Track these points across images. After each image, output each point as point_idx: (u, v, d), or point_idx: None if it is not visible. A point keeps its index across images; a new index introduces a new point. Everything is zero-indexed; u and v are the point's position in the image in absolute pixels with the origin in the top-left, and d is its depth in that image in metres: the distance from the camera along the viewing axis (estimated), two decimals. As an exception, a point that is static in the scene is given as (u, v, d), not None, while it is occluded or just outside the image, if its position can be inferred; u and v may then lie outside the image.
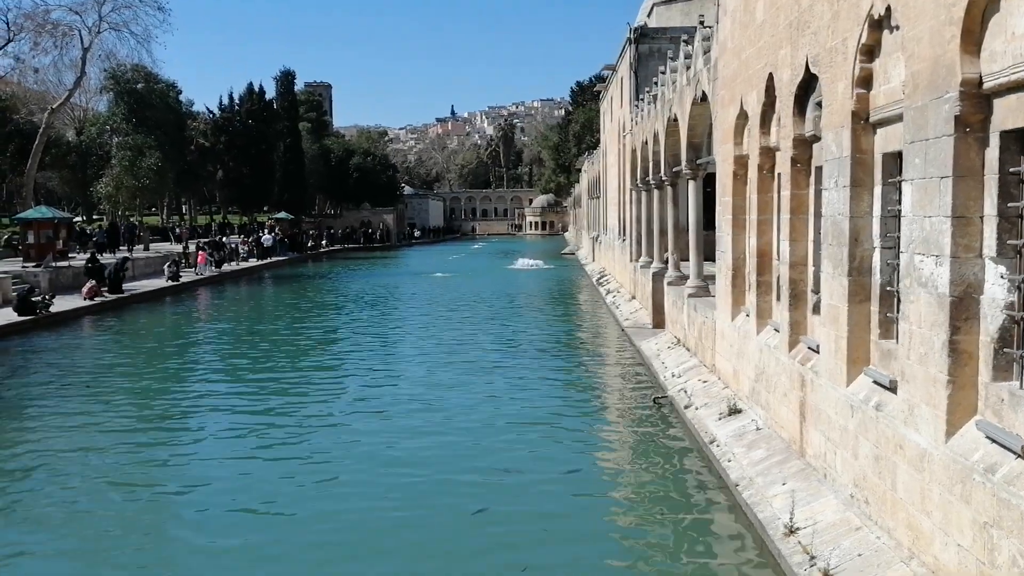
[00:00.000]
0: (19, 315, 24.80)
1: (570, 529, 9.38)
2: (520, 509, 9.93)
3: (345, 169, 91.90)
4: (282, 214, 70.55)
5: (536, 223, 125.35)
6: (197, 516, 9.93)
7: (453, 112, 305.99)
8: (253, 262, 52.05)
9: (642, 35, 32.56)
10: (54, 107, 47.27)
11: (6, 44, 45.30)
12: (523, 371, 18.29)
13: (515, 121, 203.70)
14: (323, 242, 74.75)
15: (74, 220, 53.72)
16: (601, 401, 16.18)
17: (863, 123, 8.06)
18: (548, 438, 12.95)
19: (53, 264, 32.47)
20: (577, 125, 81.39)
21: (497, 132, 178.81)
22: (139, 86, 55.26)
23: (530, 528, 9.37)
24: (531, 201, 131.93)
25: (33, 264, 33.15)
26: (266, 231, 62.42)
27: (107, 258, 35.97)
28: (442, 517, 9.68)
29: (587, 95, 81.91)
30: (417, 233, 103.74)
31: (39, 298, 26.06)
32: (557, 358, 20.40)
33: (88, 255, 33.89)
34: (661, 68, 22.18)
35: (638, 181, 27.07)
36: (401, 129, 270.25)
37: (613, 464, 11.91)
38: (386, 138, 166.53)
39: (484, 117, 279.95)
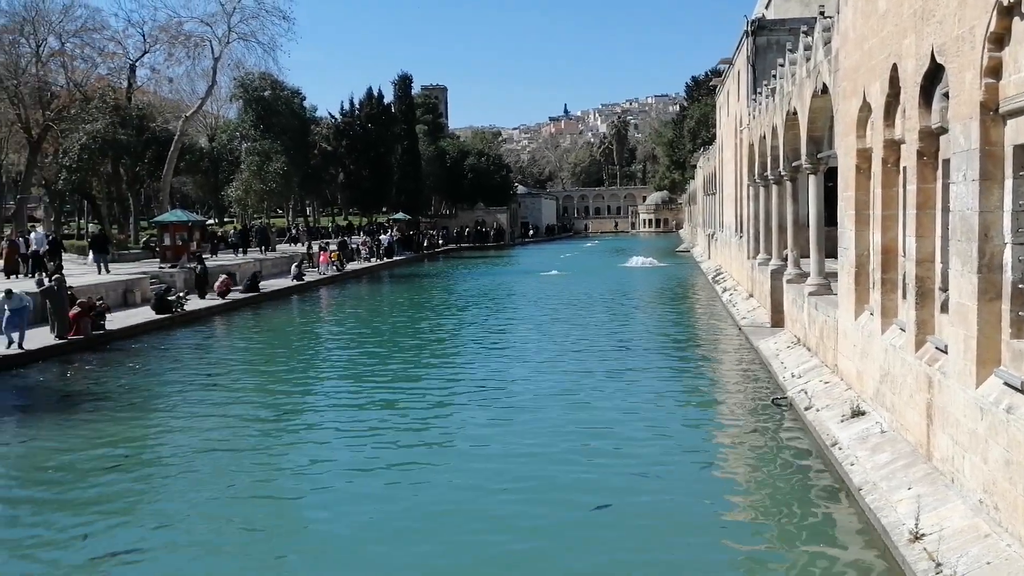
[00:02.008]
0: (156, 313, 26.42)
1: (688, 528, 9.35)
2: (638, 507, 9.95)
3: (460, 170, 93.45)
4: (400, 215, 72.40)
5: (650, 220, 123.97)
6: (322, 504, 10.39)
7: (566, 110, 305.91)
8: (373, 261, 53.66)
9: (760, 27, 31.78)
10: (188, 115, 49.97)
11: (143, 55, 48.32)
12: (637, 370, 18.23)
13: (628, 118, 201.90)
14: (439, 241, 76.23)
15: (207, 223, 56.69)
16: (718, 402, 15.93)
17: (992, 114, 7.69)
18: (664, 438, 12.89)
19: (188, 265, 34.41)
20: (692, 121, 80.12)
21: (610, 129, 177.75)
22: (266, 93, 57.84)
23: (648, 525, 9.40)
24: (645, 198, 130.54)
25: (169, 265, 35.21)
26: (384, 231, 64.24)
27: (237, 258, 37.80)
28: (561, 512, 9.80)
29: (703, 90, 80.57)
30: (530, 232, 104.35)
31: (174, 297, 27.69)
32: (672, 358, 20.22)
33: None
34: (780, 60, 21.62)
35: (756, 176, 26.46)
36: (515, 129, 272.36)
37: (731, 466, 11.75)
38: (500, 138, 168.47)
39: (597, 115, 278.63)
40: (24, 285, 24.54)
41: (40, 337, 20.97)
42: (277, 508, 10.36)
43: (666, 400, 15.45)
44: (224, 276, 32.05)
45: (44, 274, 26.61)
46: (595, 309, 30.35)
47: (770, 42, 30.84)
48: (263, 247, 47.02)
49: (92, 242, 36.83)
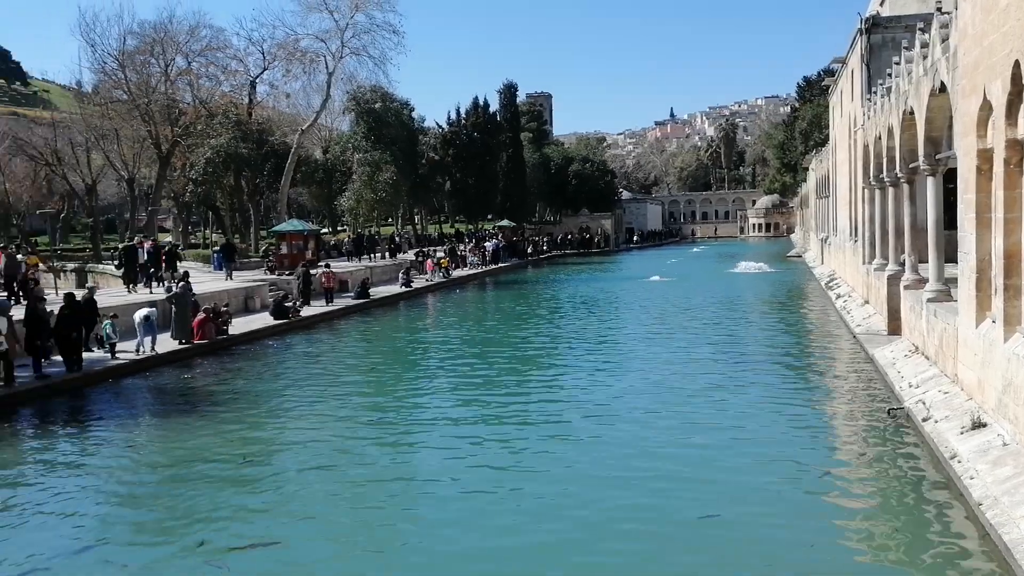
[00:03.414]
0: (274, 319, 27.62)
1: (798, 541, 9.19)
2: (747, 517, 9.84)
3: (564, 176, 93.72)
4: (504, 221, 73.18)
5: (759, 225, 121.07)
6: (433, 505, 10.71)
7: (672, 114, 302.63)
8: (479, 268, 54.43)
9: (874, 25, 30.73)
10: (304, 128, 51.98)
11: (262, 72, 50.54)
12: (746, 379, 17.92)
13: (737, 120, 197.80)
14: (544, 248, 76.62)
15: (321, 232, 58.74)
16: (832, 411, 15.50)
17: None
18: (775, 448, 12.64)
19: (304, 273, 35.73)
20: (804, 122, 77.97)
21: (718, 132, 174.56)
22: (376, 106, 59.61)
23: (756, 537, 9.29)
24: (754, 202, 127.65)
25: (287, 272, 36.68)
26: (490, 238, 65.04)
27: (348, 265, 39.02)
28: (667, 520, 9.81)
29: (814, 90, 78.29)
30: (635, 237, 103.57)
31: (291, 304, 28.87)
32: (783, 366, 19.79)
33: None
34: (895, 59, 20.89)
35: (871, 179, 25.60)
36: (619, 134, 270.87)
37: (845, 478, 11.40)
38: (604, 144, 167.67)
39: (704, 118, 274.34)
40: (143, 294, 26.04)
41: (170, 342, 22.27)
42: (391, 504, 10.73)
43: (777, 410, 15.13)
44: (324, 270, 33.19)
45: (173, 281, 28.16)
46: (702, 316, 29.93)
47: (885, 40, 29.78)
48: (371, 254, 48.44)
49: (221, 251, 39.00)
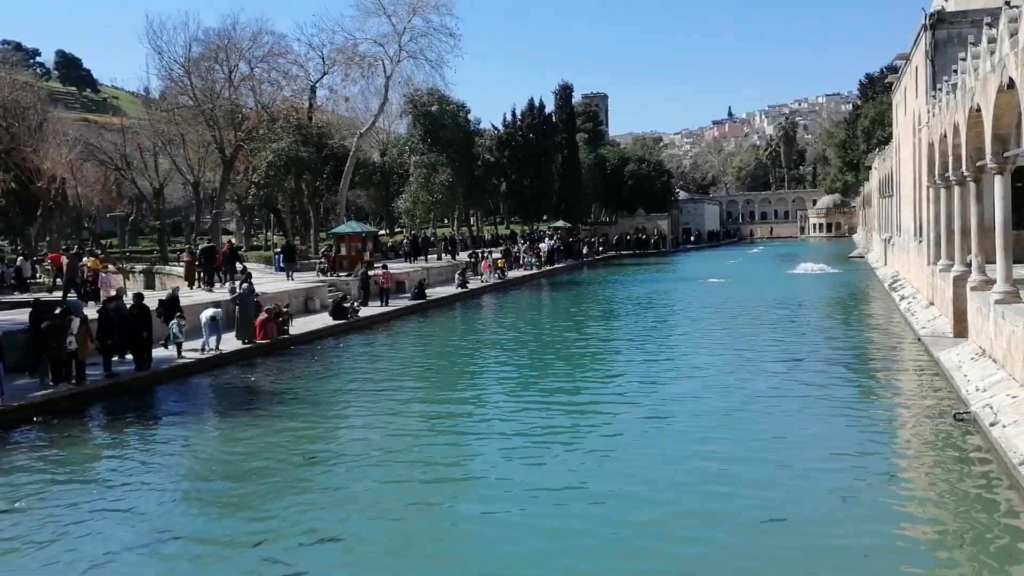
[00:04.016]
0: (333, 319, 28.09)
1: (862, 547, 9.06)
2: (812, 522, 9.75)
3: (620, 177, 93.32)
4: (560, 222, 73.15)
5: (820, 225, 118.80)
6: (493, 503, 10.81)
7: (730, 113, 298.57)
8: (534, 269, 54.52)
9: (939, 20, 29.94)
10: (362, 131, 52.67)
11: (322, 77, 51.28)
12: (807, 382, 17.65)
13: (797, 119, 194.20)
14: (599, 248, 76.37)
15: (378, 234, 59.47)
16: (896, 415, 15.15)
17: None
18: (838, 453, 12.45)
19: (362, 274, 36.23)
20: (866, 120, 76.37)
21: (777, 131, 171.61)
22: (433, 108, 60.07)
23: (821, 544, 9.18)
24: (815, 202, 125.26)
25: (345, 274, 37.25)
26: (544, 239, 65.08)
27: (405, 266, 39.41)
28: (729, 524, 9.75)
29: (877, 88, 76.65)
30: (692, 238, 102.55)
31: (349, 304, 29.33)
32: (846, 368, 19.45)
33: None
34: (961, 54, 20.36)
35: (936, 177, 24.98)
36: (676, 134, 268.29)
37: (909, 484, 11.19)
38: (660, 144, 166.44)
39: (763, 116, 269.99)
40: (208, 294, 26.73)
41: (234, 341, 22.83)
42: (451, 502, 10.89)
43: (839, 412, 14.90)
44: (382, 271, 33.70)
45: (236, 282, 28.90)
46: (762, 317, 29.54)
47: (950, 35, 29.01)
48: (426, 256, 48.97)
49: (283, 252, 39.97)
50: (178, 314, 21.24)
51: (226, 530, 10.23)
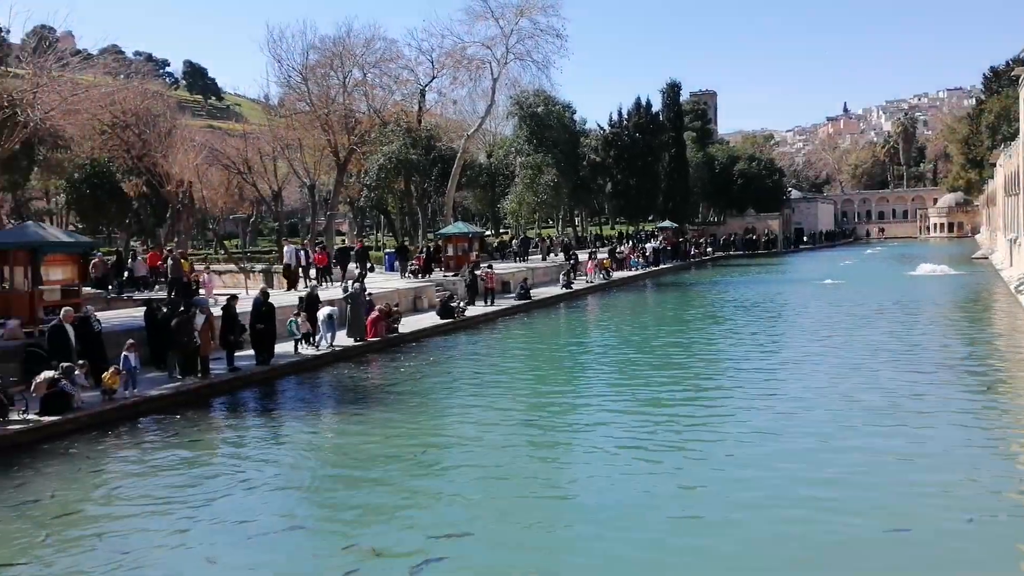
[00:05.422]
0: (441, 318, 28.76)
1: (986, 563, 8.85)
2: (940, 536, 9.55)
3: (729, 176, 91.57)
4: (666, 223, 72.36)
5: (941, 224, 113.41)
6: (596, 509, 10.97)
7: (846, 109, 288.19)
8: (640, 269, 54.20)
9: (1074, 7, 28.25)
10: (469, 133, 53.51)
11: (431, 80, 52.39)
12: (929, 391, 16.99)
13: (916, 114, 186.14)
14: (707, 249, 75.17)
15: (485, 234, 60.28)
16: (1020, 427, 14.51)
17: None
18: (960, 466, 11.99)
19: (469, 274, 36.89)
20: (991, 115, 72.56)
21: (895, 127, 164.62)
22: (539, 109, 60.49)
23: (946, 558, 9.01)
24: (935, 201, 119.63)
25: (452, 274, 37.99)
26: (650, 240, 64.59)
27: (510, 266, 39.87)
28: (851, 534, 9.59)
29: (1002, 80, 72.84)
30: (804, 238, 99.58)
31: (456, 304, 29.95)
32: (965, 375, 18.61)
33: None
34: (1097, 45, 19.22)
35: (1068, 176, 23.62)
36: (788, 131, 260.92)
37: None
38: (772, 142, 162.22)
39: (881, 112, 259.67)
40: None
41: (346, 339, 23.74)
42: (559, 505, 11.10)
43: (962, 424, 14.30)
44: (487, 271, 34.34)
45: (350, 281, 30.03)
46: (879, 322, 28.41)
47: (1087, 24, 27.32)
48: (526, 256, 49.63)
49: (394, 252, 41.63)
50: (296, 312, 22.27)
51: (347, 518, 10.72)
